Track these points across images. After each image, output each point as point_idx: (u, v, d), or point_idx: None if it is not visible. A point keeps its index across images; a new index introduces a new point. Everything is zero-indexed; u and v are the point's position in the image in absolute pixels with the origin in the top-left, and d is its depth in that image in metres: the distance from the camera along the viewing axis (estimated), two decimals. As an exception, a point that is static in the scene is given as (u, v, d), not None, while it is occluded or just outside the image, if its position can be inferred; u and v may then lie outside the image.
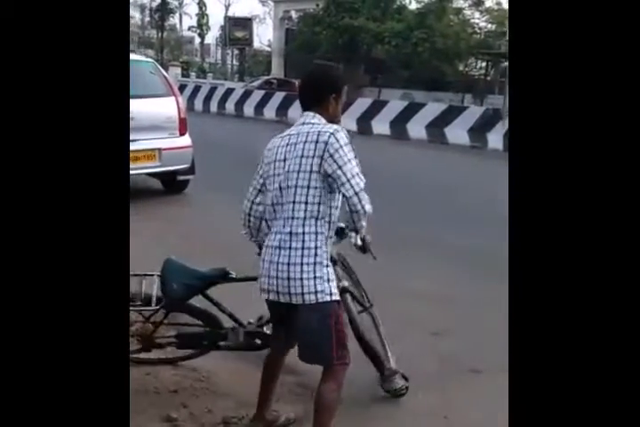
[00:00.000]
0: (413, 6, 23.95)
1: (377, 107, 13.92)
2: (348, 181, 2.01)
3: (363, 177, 2.06)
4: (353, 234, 2.18)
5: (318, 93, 2.21)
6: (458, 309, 3.71)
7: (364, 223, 2.10)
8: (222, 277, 2.56)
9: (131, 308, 2.58)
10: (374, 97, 17.66)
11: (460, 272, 4.34)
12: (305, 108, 2.23)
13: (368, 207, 2.04)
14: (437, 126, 12.69)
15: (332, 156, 2.04)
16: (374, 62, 23.25)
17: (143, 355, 2.96)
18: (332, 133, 2.06)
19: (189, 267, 2.57)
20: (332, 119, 2.22)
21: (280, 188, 2.12)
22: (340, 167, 2.03)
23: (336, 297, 2.12)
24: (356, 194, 2.01)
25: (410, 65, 21.95)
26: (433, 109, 13.18)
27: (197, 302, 2.74)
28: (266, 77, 24.30)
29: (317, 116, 2.18)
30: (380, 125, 13.51)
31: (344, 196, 2.04)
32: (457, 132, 12.33)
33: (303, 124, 2.18)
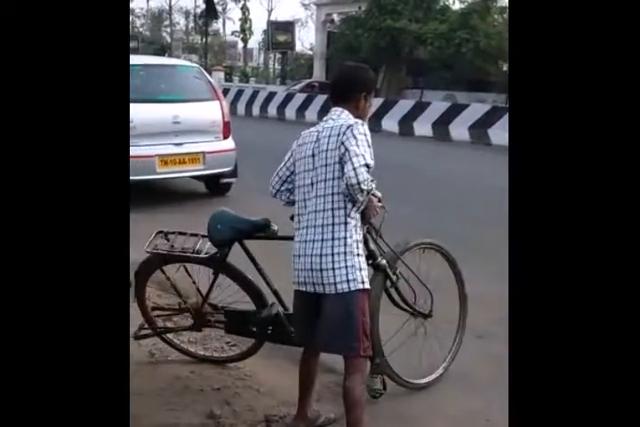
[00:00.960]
0: (456, 6, 23.75)
1: (419, 108, 13.81)
2: (350, 159, 2.06)
3: (368, 159, 2.06)
4: (350, 205, 2.17)
5: (348, 90, 2.29)
6: (502, 311, 3.67)
7: (360, 198, 2.09)
8: (266, 226, 2.59)
9: (181, 254, 2.72)
10: (416, 98, 17.54)
11: (505, 274, 4.29)
12: (334, 103, 2.31)
13: (365, 184, 2.03)
14: (481, 127, 12.49)
15: (343, 143, 2.12)
16: (416, 64, 23.11)
17: (193, 349, 3.08)
18: (350, 125, 2.15)
19: (236, 214, 2.65)
20: (360, 117, 2.28)
21: (311, 183, 2.21)
22: (347, 149, 2.09)
23: (367, 286, 2.18)
24: (354, 169, 2.03)
25: (452, 66, 21.71)
26: (476, 110, 12.96)
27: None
28: (308, 80, 24.43)
29: (345, 112, 2.25)
30: (423, 127, 13.40)
31: (344, 173, 2.07)
32: (500, 133, 12.12)
33: (329, 119, 2.26)
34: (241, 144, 6.89)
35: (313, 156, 2.21)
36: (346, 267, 2.13)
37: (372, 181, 2.08)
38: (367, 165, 2.05)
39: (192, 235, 2.78)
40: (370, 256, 2.53)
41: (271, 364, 3.07)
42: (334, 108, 2.28)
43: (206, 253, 2.67)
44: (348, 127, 2.14)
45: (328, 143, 2.16)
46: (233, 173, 6.73)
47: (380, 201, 2.39)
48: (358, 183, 2.02)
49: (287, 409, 2.61)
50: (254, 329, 2.76)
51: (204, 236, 2.72)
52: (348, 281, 2.13)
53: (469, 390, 2.86)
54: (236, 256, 2.71)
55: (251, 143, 8.70)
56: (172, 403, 2.65)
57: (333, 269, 2.13)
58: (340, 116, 2.23)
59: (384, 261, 2.57)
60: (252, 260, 2.69)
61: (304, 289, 2.23)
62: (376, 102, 14.00)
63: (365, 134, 2.14)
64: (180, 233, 2.80)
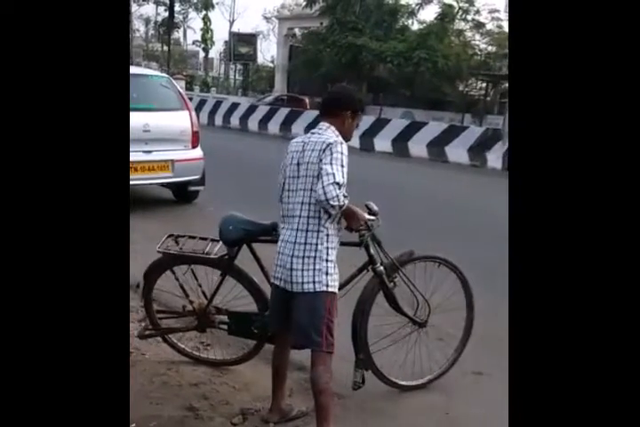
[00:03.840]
0: (415, 27, 24.43)
1: (379, 125, 14.16)
2: (321, 177, 2.27)
3: (338, 178, 2.24)
4: (326, 216, 2.36)
5: (337, 107, 2.49)
6: (459, 317, 3.89)
7: (332, 211, 2.30)
8: (274, 229, 2.69)
9: (191, 255, 2.86)
10: (376, 115, 17.95)
11: (457, 283, 4.53)
12: (322, 118, 2.51)
13: (334, 200, 2.22)
14: (438, 145, 12.93)
15: (322, 160, 2.32)
16: (376, 81, 23.62)
17: (197, 353, 3.20)
18: (331, 143, 2.33)
19: (245, 217, 2.78)
20: (345, 135, 2.47)
21: (295, 189, 2.42)
22: (322, 167, 2.29)
23: (333, 289, 2.40)
24: (323, 187, 2.24)
25: (411, 84, 22.33)
26: (434, 128, 13.41)
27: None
28: (277, 94, 24.67)
29: (332, 127, 2.45)
30: (382, 143, 13.76)
31: (316, 190, 2.28)
32: (457, 151, 12.59)
33: (316, 133, 2.44)
34: (206, 153, 7.02)
35: (298, 164, 2.42)
36: (313, 270, 2.35)
37: (345, 196, 2.28)
38: (337, 183, 2.24)
39: (201, 238, 2.95)
40: (370, 262, 2.78)
41: (244, 363, 3.23)
42: (322, 123, 2.48)
43: (216, 255, 2.83)
44: (328, 145, 2.33)
45: (311, 156, 2.37)
46: (201, 182, 6.88)
47: (374, 214, 2.63)
48: (326, 200, 2.24)
49: (262, 404, 2.78)
50: (256, 331, 2.90)
51: (212, 240, 2.89)
52: (313, 282, 2.35)
53: (430, 386, 3.09)
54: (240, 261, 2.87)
55: (216, 153, 8.74)
56: (153, 397, 2.79)
57: (302, 270, 2.35)
58: (326, 132, 2.43)
59: (381, 268, 2.79)
60: (258, 262, 2.84)
61: (278, 283, 2.46)
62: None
63: (342, 153, 2.31)
64: (190, 237, 2.96)
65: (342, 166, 2.29)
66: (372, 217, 2.64)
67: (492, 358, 3.23)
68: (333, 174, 2.25)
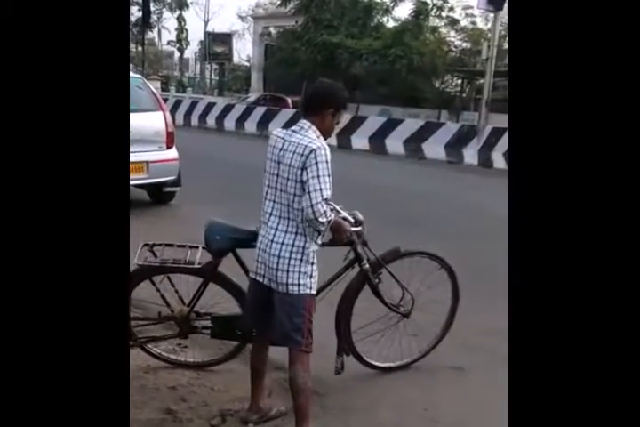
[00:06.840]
0: (390, 24, 24.48)
1: (356, 122, 14.14)
2: (309, 193, 2.24)
3: (325, 193, 2.24)
4: (316, 233, 2.38)
5: (319, 104, 2.39)
6: (435, 313, 3.91)
7: (321, 228, 2.32)
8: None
9: (175, 265, 2.80)
10: (352, 112, 17.96)
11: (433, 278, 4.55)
12: (304, 115, 2.41)
13: (323, 217, 2.25)
14: (415, 142, 12.98)
15: (306, 169, 2.25)
16: (352, 78, 23.59)
17: (169, 355, 3.16)
18: (314, 150, 2.24)
19: (230, 224, 2.74)
20: (325, 132, 2.40)
21: (275, 188, 2.37)
22: (307, 179, 2.25)
23: (314, 291, 2.41)
24: (311, 206, 2.23)
25: (387, 81, 22.33)
26: (410, 125, 13.43)
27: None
28: (260, 94, 24.59)
29: (313, 127, 2.35)
30: (360, 140, 13.77)
31: (303, 206, 2.27)
32: (434, 148, 12.65)
33: (297, 133, 2.34)
34: (182, 154, 6.96)
35: (278, 162, 2.35)
36: (299, 272, 2.35)
37: (331, 210, 2.28)
38: (325, 200, 2.24)
39: (179, 246, 2.89)
40: (356, 259, 2.86)
41: (222, 364, 3.21)
42: (303, 121, 2.37)
43: (199, 264, 2.79)
44: (312, 151, 2.23)
45: (292, 159, 2.28)
46: (176, 182, 6.83)
47: (360, 223, 2.66)
48: (315, 218, 2.24)
49: (240, 404, 2.77)
50: (240, 333, 2.90)
51: (191, 246, 2.86)
52: (298, 285, 2.35)
53: (408, 383, 3.10)
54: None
55: (192, 153, 8.63)
56: (131, 401, 2.75)
57: (287, 271, 2.34)
58: (308, 132, 2.33)
59: (367, 266, 2.89)
60: (243, 267, 2.79)
61: (260, 280, 2.45)
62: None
63: (326, 162, 2.25)
64: (167, 245, 2.89)
65: (328, 176, 2.26)
66: (358, 228, 2.67)
67: (473, 354, 3.25)
68: (321, 190, 2.23)
